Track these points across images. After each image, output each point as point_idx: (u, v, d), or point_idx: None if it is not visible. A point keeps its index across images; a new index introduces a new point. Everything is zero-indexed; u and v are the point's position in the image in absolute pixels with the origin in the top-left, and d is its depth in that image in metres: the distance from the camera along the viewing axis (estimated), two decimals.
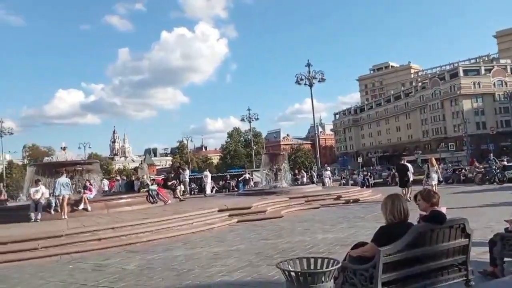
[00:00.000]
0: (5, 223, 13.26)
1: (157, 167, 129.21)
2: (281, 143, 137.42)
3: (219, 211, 13.53)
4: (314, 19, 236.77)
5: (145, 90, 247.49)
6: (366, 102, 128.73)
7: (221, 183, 33.84)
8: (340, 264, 3.68)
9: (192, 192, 26.18)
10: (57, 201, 13.78)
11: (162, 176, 35.02)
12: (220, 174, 43.82)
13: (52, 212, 13.80)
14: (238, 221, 12.84)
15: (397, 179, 17.66)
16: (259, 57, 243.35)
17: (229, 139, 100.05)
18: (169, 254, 8.48)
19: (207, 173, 27.42)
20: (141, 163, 36.99)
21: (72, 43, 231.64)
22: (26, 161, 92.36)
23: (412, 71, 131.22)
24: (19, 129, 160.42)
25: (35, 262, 8.77)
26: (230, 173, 42.29)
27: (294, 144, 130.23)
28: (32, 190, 13.94)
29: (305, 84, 36.55)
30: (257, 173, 37.14)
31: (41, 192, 13.75)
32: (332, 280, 3.58)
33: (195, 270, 6.81)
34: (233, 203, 15.42)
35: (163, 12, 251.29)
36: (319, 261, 3.74)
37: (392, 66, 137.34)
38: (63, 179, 13.97)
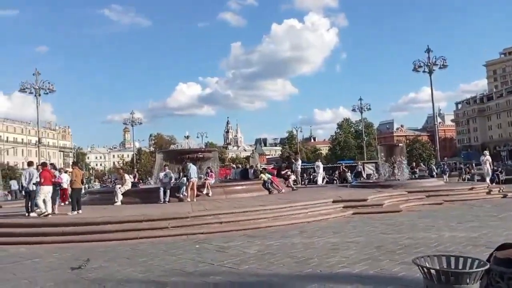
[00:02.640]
0: (138, 204, 14.90)
1: (267, 157, 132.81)
2: (394, 134, 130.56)
3: (333, 202, 13.37)
4: (431, 1, 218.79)
5: (255, 82, 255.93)
6: (495, 89, 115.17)
7: (331, 173, 33.41)
8: (487, 266, 3.33)
9: (303, 182, 26.23)
10: (185, 185, 14.96)
11: (271, 166, 35.88)
12: (331, 165, 43.21)
13: (181, 195, 15.00)
14: (353, 213, 12.54)
15: None
16: (370, 45, 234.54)
17: (338, 130, 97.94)
18: (287, 241, 8.62)
19: (319, 163, 27.31)
20: (253, 153, 38.30)
21: (191, 40, 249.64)
22: (152, 149, 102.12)
23: None
24: (146, 120, 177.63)
25: (165, 240, 9.65)
26: (340, 164, 41.50)
27: (409, 135, 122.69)
28: (161, 174, 15.36)
29: (423, 72, 34.03)
30: (369, 165, 35.88)
31: (169, 177, 15.07)
32: (478, 283, 3.26)
33: (314, 259, 6.80)
34: (347, 194, 15.10)
35: (273, 5, 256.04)
36: (461, 260, 3.44)
37: None
38: (193, 165, 15.15)
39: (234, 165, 27.13)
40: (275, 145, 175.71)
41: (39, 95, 31.44)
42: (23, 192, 14.24)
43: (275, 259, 6.99)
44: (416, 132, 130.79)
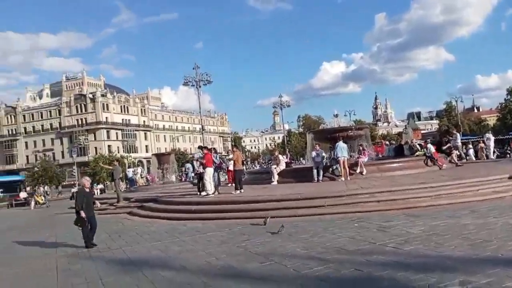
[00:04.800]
0: (292, 183, 15.40)
1: (422, 132, 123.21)
2: None
3: (509, 178, 11.67)
4: None
5: (404, 53, 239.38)
6: None
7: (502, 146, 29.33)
8: None
9: (467, 157, 23.50)
10: (335, 164, 14.90)
11: (428, 140, 33.08)
12: (501, 137, 37.89)
13: (335, 174, 14.98)
14: None
15: None
16: None
17: (509, 96, 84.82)
18: (455, 222, 7.86)
19: (489, 135, 24.15)
20: (405, 128, 35.98)
21: (333, 18, 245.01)
22: (300, 130, 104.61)
23: None
24: (293, 102, 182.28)
25: (322, 218, 9.76)
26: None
27: None
28: (313, 154, 15.53)
29: None
30: None
31: (321, 156, 15.17)
32: None
33: (492, 242, 6.03)
34: None
35: None
36: None
37: None
38: (342, 144, 14.98)
39: (387, 142, 25.84)
40: (431, 118, 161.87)
41: (200, 87, 34.88)
42: (195, 174, 16.11)
43: (444, 240, 6.43)
44: None
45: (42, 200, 30.42)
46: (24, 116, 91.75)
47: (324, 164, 15.46)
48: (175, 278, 5.81)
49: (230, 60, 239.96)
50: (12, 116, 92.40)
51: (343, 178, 14.50)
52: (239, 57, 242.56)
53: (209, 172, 13.32)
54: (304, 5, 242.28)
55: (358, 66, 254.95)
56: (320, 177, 14.99)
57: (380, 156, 21.51)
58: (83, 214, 8.70)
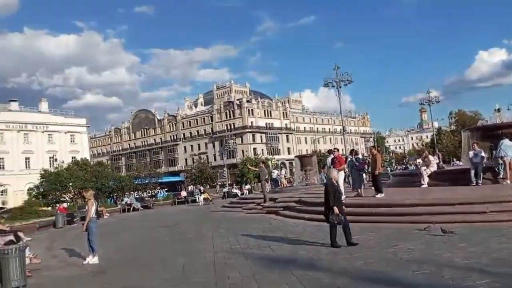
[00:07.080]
0: (446, 186, 14.05)
1: None
2: None
3: None
4: None
5: None
6: None
7: None
8: None
9: None
10: (500, 164, 13.13)
11: None
12: None
13: (502, 175, 13.23)
14: None
15: None
16: None
17: None
18: None
19: None
20: None
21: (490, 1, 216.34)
22: (453, 127, 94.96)
23: None
24: (442, 97, 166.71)
25: (484, 225, 8.73)
26: None
27: None
28: (471, 153, 13.93)
29: None
30: None
31: (480, 156, 13.52)
32: None
33: None
34: None
35: None
36: None
37: None
38: (508, 142, 13.13)
39: None
40: None
41: (340, 87, 34.40)
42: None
43: None
44: None
45: (210, 197, 34.38)
46: (183, 123, 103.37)
47: (484, 165, 13.74)
48: (323, 279, 5.83)
49: (371, 57, 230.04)
50: (173, 124, 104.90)
51: (508, 181, 12.68)
52: (381, 53, 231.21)
53: (341, 175, 13.04)
54: None
55: None
56: (480, 180, 13.36)
57: None
58: (336, 210, 7.85)
